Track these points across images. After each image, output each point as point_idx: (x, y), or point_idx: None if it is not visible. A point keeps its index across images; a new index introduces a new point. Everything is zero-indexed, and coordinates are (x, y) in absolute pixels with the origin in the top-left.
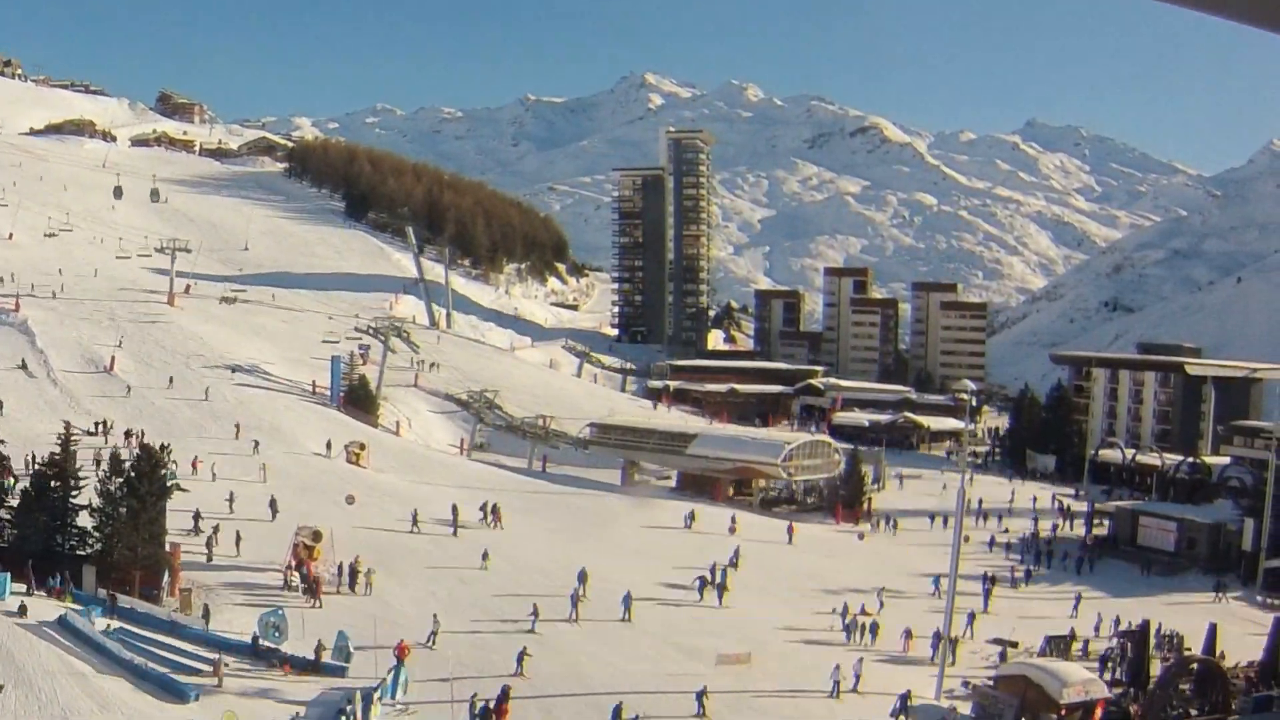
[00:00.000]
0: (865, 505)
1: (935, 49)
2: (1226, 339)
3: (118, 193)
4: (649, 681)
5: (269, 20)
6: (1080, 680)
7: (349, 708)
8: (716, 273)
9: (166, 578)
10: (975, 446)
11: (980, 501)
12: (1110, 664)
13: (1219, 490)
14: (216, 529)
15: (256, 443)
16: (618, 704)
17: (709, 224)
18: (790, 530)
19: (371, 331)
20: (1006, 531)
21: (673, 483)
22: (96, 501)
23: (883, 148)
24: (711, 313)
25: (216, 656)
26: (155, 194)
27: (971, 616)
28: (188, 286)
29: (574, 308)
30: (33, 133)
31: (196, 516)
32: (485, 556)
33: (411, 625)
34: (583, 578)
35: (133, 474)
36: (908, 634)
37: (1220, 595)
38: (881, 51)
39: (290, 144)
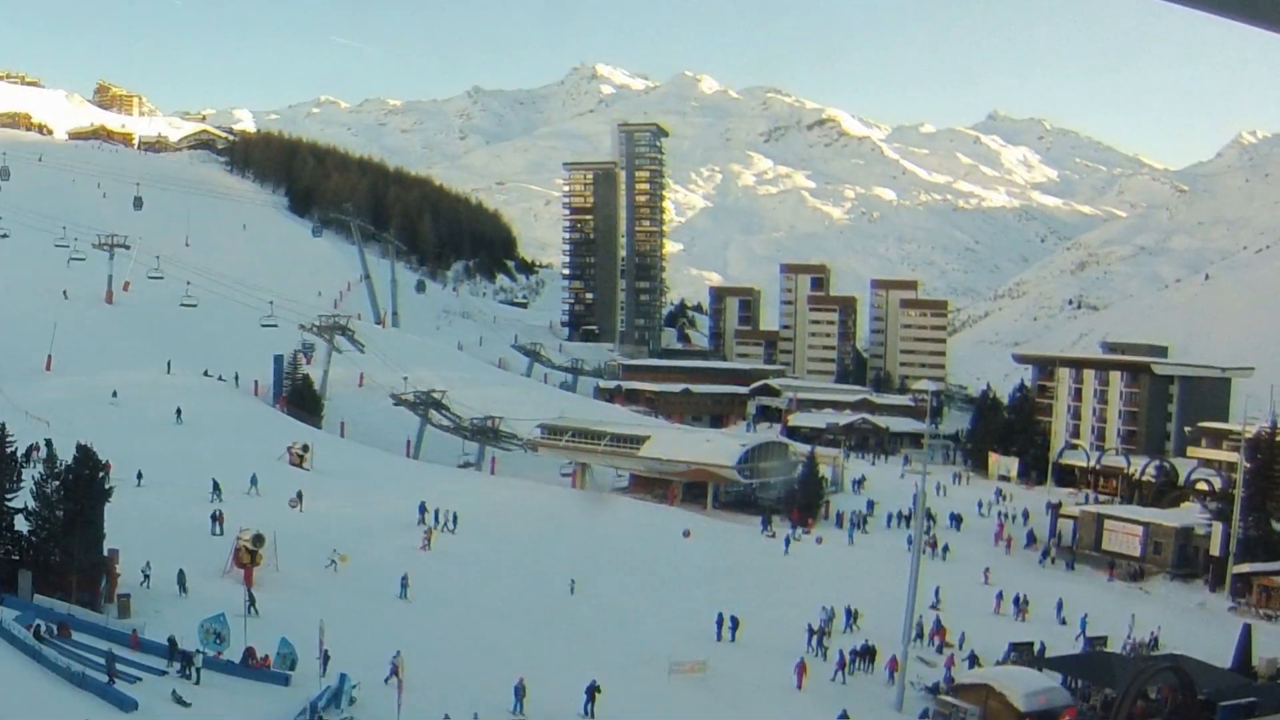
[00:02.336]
0: (824, 509)
1: (894, 39)
2: (1194, 338)
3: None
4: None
5: (208, 8)
6: (1043, 689)
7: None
8: (669, 269)
9: (105, 584)
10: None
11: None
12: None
13: (1187, 493)
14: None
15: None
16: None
17: (662, 219)
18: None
19: (315, 330)
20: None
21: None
22: (32, 505)
23: (840, 141)
24: (665, 310)
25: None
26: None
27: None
28: (126, 284)
29: (523, 305)
30: None
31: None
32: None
33: (356, 631)
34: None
35: (70, 477)
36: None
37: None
38: (839, 42)
39: (231, 138)
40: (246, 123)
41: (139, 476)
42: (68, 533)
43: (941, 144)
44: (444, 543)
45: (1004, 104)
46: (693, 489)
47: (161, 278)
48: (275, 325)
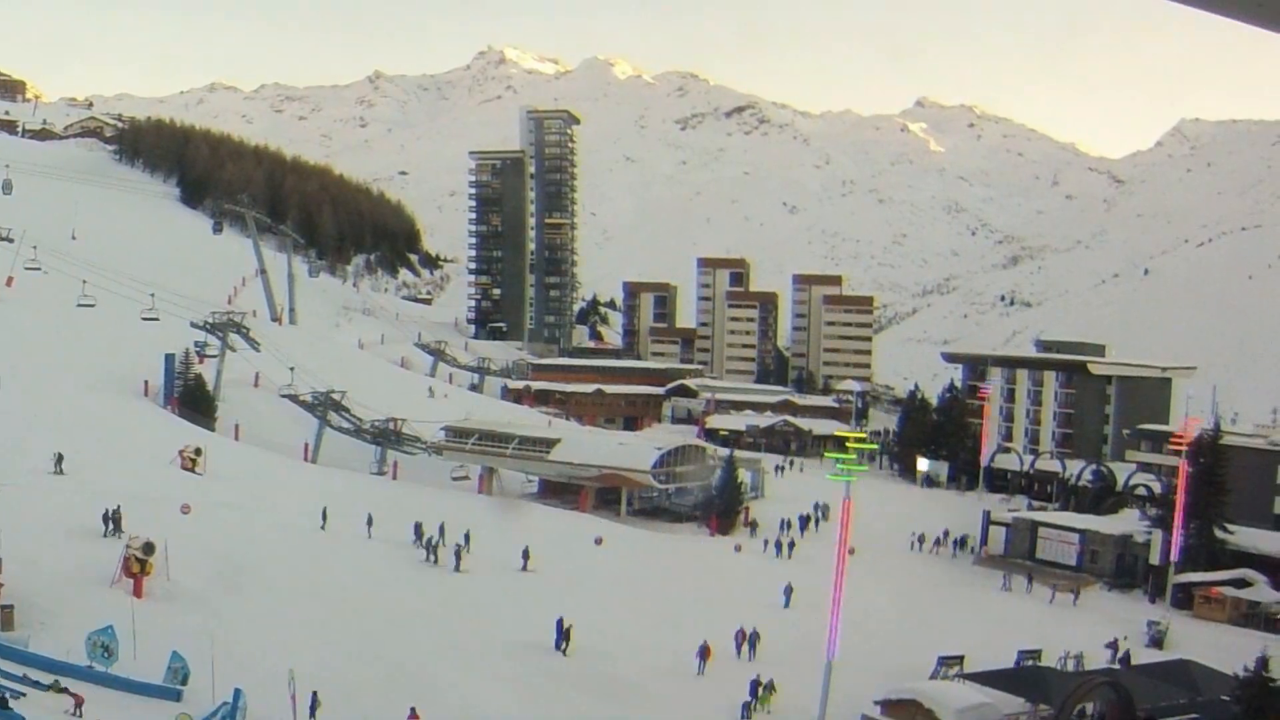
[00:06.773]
0: (743, 514)
1: (817, 21)
2: (1133, 336)
3: None
4: None
5: None
6: (973, 703)
7: None
8: (581, 263)
9: None
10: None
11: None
12: None
13: (1125, 499)
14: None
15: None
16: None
17: (573, 211)
18: None
19: (208, 327)
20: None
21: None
22: None
23: (761, 129)
24: (576, 307)
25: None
26: None
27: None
28: (10, 279)
29: (427, 301)
30: None
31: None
32: None
33: (250, 644)
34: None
35: None
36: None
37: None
38: (759, 23)
39: (120, 125)
40: (137, 109)
41: None
42: None
43: (867, 131)
44: (348, 551)
45: (932, 90)
46: (606, 495)
47: (40, 269)
48: (156, 319)
